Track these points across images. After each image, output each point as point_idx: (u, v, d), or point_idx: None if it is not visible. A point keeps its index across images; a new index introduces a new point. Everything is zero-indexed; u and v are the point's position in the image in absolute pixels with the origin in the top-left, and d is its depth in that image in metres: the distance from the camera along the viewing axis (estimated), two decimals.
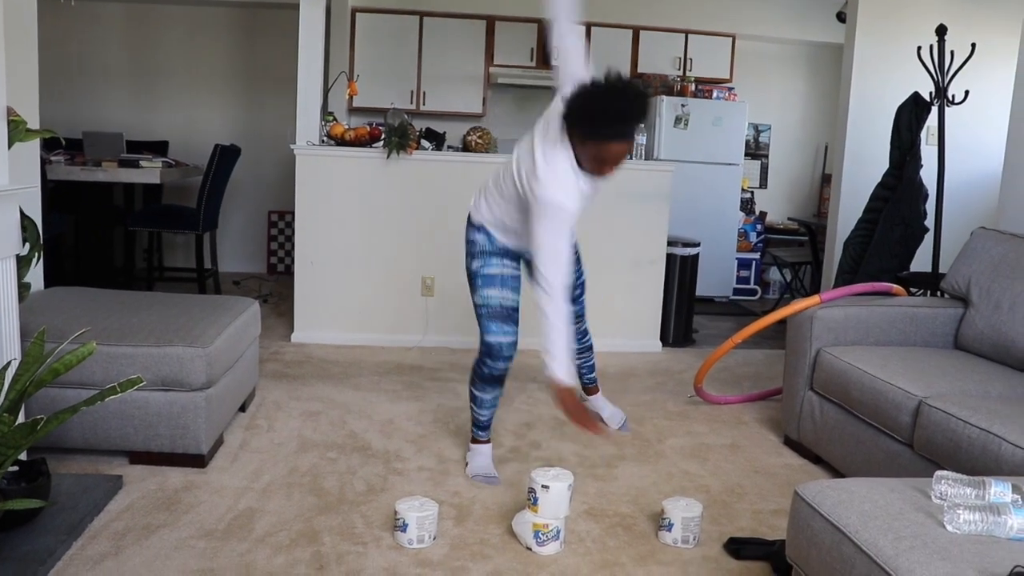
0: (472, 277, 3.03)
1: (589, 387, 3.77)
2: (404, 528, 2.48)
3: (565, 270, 2.70)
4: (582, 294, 3.44)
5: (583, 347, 3.63)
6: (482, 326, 3.01)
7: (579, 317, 3.47)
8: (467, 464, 3.14)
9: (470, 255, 3.04)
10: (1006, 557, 1.59)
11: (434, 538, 2.53)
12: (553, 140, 2.68)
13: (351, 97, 6.13)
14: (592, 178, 2.74)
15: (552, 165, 2.66)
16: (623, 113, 2.56)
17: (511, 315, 3.00)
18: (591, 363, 3.72)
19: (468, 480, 3.04)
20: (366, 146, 4.90)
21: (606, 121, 2.55)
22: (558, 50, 2.82)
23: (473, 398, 3.13)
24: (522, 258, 3.07)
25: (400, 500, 2.57)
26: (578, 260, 3.37)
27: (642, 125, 2.62)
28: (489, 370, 3.02)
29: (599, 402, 3.77)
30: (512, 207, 2.88)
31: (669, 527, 2.59)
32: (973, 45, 4.50)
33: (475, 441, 3.18)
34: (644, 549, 2.57)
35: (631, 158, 4.31)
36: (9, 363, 2.31)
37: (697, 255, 5.40)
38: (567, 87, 2.70)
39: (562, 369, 2.64)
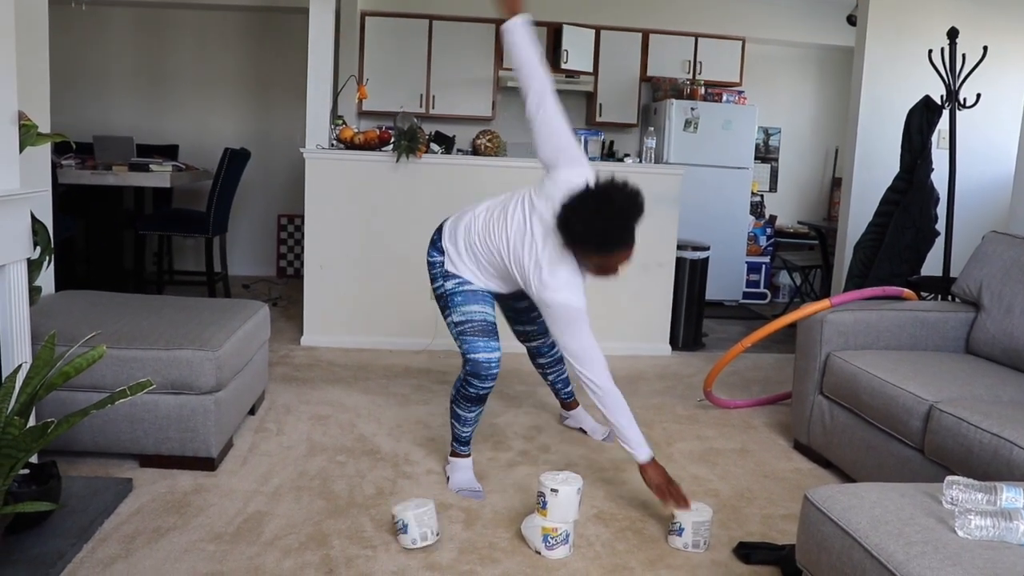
0: (448, 296, 2.93)
1: (568, 402, 3.65)
2: (405, 529, 2.48)
3: (602, 364, 2.74)
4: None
5: (553, 359, 3.51)
6: (467, 344, 2.89)
7: (542, 334, 3.43)
8: (448, 478, 3.05)
9: (443, 277, 2.96)
10: (1018, 563, 1.58)
11: (437, 534, 2.52)
12: (555, 249, 2.66)
13: (361, 101, 6.14)
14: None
15: (557, 273, 2.66)
16: (623, 225, 2.54)
17: (494, 329, 2.93)
18: (564, 376, 3.57)
19: (479, 483, 3.03)
20: (375, 150, 4.91)
21: (608, 237, 2.53)
22: (536, 121, 2.78)
23: (455, 416, 3.01)
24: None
25: (394, 504, 2.58)
26: None
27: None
28: (476, 390, 2.90)
29: (580, 415, 3.66)
30: (487, 269, 2.90)
31: (679, 531, 2.58)
32: (985, 48, 4.48)
33: (455, 455, 3.07)
34: (653, 553, 2.56)
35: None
36: (20, 366, 2.32)
37: (707, 259, 5.39)
38: (558, 167, 2.73)
39: (642, 451, 2.76)
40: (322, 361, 4.63)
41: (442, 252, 2.98)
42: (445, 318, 2.98)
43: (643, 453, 2.76)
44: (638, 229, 2.57)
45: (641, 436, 2.77)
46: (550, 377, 3.59)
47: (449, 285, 2.94)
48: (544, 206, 2.69)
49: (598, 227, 2.50)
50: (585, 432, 3.64)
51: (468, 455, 3.08)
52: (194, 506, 2.72)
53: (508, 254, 2.77)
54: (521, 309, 3.34)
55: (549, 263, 2.66)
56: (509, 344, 4.29)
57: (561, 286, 2.65)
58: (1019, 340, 3.15)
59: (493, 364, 2.88)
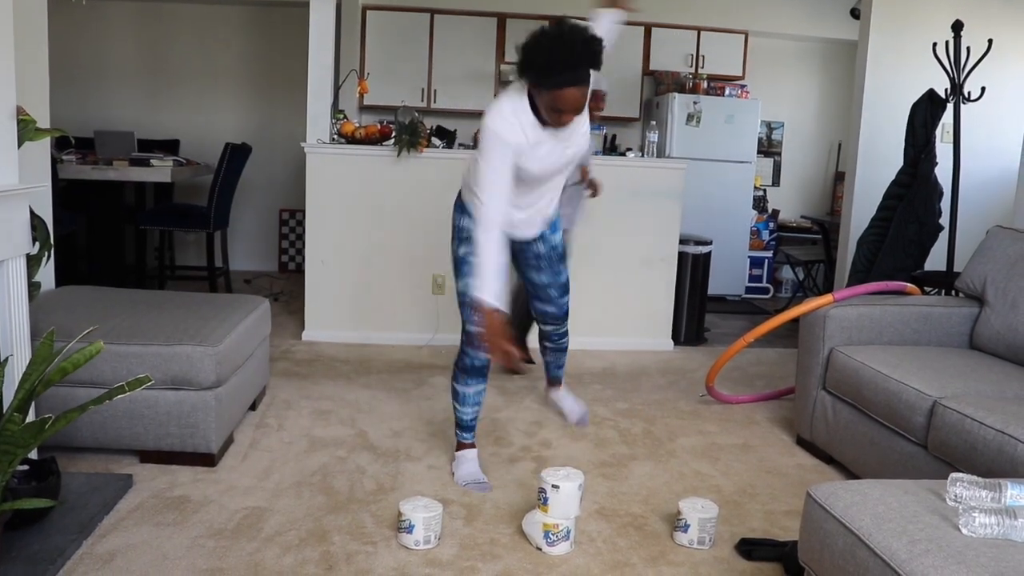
0: (459, 263, 3.00)
1: (552, 379, 3.76)
2: (410, 529, 2.46)
3: (499, 202, 2.71)
4: (564, 294, 3.33)
5: (558, 347, 3.55)
6: (464, 314, 2.96)
7: (559, 319, 3.38)
8: (453, 473, 3.05)
9: (457, 239, 3.03)
10: (1022, 561, 1.56)
11: (439, 538, 2.51)
12: (513, 87, 2.79)
13: (362, 95, 6.14)
14: (556, 131, 2.79)
15: (500, 101, 2.76)
16: (571, 59, 2.59)
17: None
18: (562, 363, 3.66)
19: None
20: (377, 144, 4.90)
21: (555, 69, 2.59)
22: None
23: (455, 394, 3.06)
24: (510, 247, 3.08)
25: (404, 501, 2.55)
26: (563, 258, 3.29)
27: (594, 70, 2.70)
28: (471, 360, 2.97)
29: (559, 396, 3.77)
30: None
31: (685, 528, 2.57)
32: (990, 41, 4.45)
33: (460, 446, 3.08)
34: (655, 550, 2.55)
35: (599, 108, 4.39)
36: (7, 359, 2.31)
37: (709, 253, 5.37)
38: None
39: (490, 292, 2.66)
40: (323, 356, 4.62)
41: (460, 208, 3.05)
42: (455, 281, 3.03)
43: (491, 296, 2.66)
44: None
45: (493, 282, 2.67)
46: (548, 357, 3.63)
47: (462, 251, 2.99)
48: None
49: (544, 56, 2.60)
50: (563, 414, 3.76)
51: (472, 444, 3.10)
52: (194, 502, 2.71)
53: None
54: (541, 284, 3.27)
55: (499, 97, 2.79)
56: None
57: (495, 112, 2.72)
58: (1023, 335, 3.13)
59: None
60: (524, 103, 2.74)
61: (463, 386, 3.04)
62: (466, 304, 2.95)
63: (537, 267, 3.23)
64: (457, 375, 3.04)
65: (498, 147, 2.70)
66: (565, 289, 3.32)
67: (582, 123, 2.89)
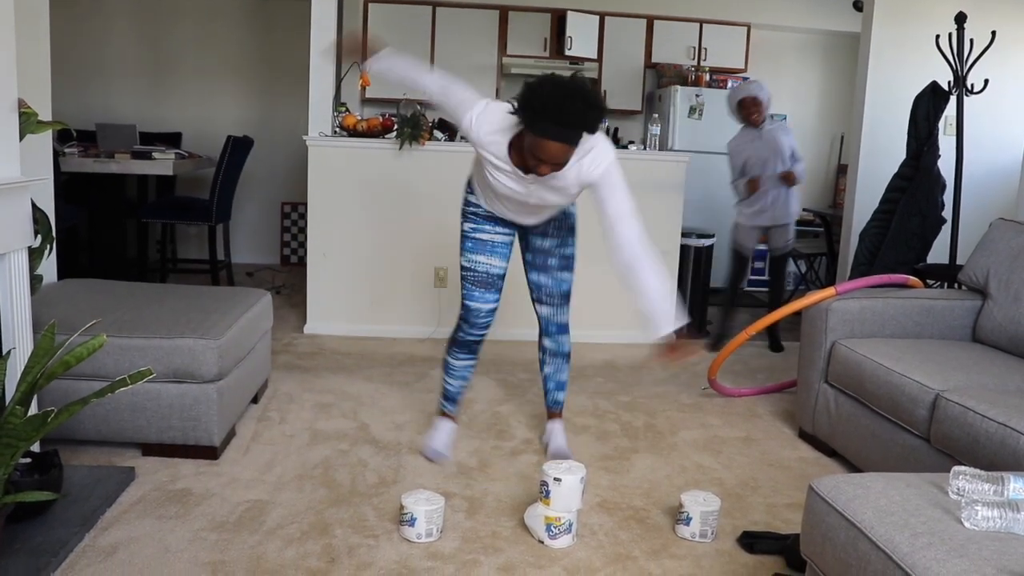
0: (463, 238, 3.04)
1: (551, 409, 3.33)
2: (412, 522, 2.46)
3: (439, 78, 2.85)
4: (564, 302, 3.13)
5: (557, 346, 3.21)
6: (464, 290, 3.02)
7: (560, 331, 3.18)
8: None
9: (464, 216, 3.06)
10: None
11: (441, 531, 2.52)
12: (511, 115, 2.63)
13: (363, 88, 6.11)
14: (525, 175, 2.71)
15: (498, 107, 2.71)
16: (566, 116, 2.45)
17: (495, 283, 3.02)
18: (563, 379, 3.28)
19: (482, 472, 3.03)
20: (379, 137, 4.89)
21: (547, 118, 2.46)
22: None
23: (445, 365, 3.15)
24: (517, 229, 3.07)
25: (406, 494, 2.56)
26: (571, 264, 3.12)
27: (585, 135, 2.55)
28: (464, 335, 3.07)
29: (552, 427, 3.30)
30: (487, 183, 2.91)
31: (687, 521, 2.57)
32: (993, 33, 4.44)
33: (442, 414, 3.18)
34: (657, 543, 2.55)
35: (753, 115, 4.82)
36: (10, 352, 2.31)
37: (711, 246, 5.37)
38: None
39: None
40: (325, 349, 4.62)
41: (470, 189, 3.06)
42: (460, 256, 3.07)
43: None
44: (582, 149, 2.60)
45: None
46: (548, 368, 3.25)
47: (466, 227, 3.03)
48: None
49: (542, 102, 2.47)
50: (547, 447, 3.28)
51: (453, 416, 3.19)
52: (196, 495, 2.72)
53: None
54: (541, 249, 3.07)
55: (488, 112, 2.71)
56: (512, 332, 4.34)
57: (492, 107, 2.72)
58: None
59: (483, 313, 3.01)
60: (508, 130, 2.67)
61: (453, 358, 3.15)
62: (467, 280, 3.01)
63: (533, 264, 3.10)
64: (450, 348, 3.14)
65: (473, 108, 2.71)
66: (565, 298, 3.12)
67: (561, 180, 2.72)
